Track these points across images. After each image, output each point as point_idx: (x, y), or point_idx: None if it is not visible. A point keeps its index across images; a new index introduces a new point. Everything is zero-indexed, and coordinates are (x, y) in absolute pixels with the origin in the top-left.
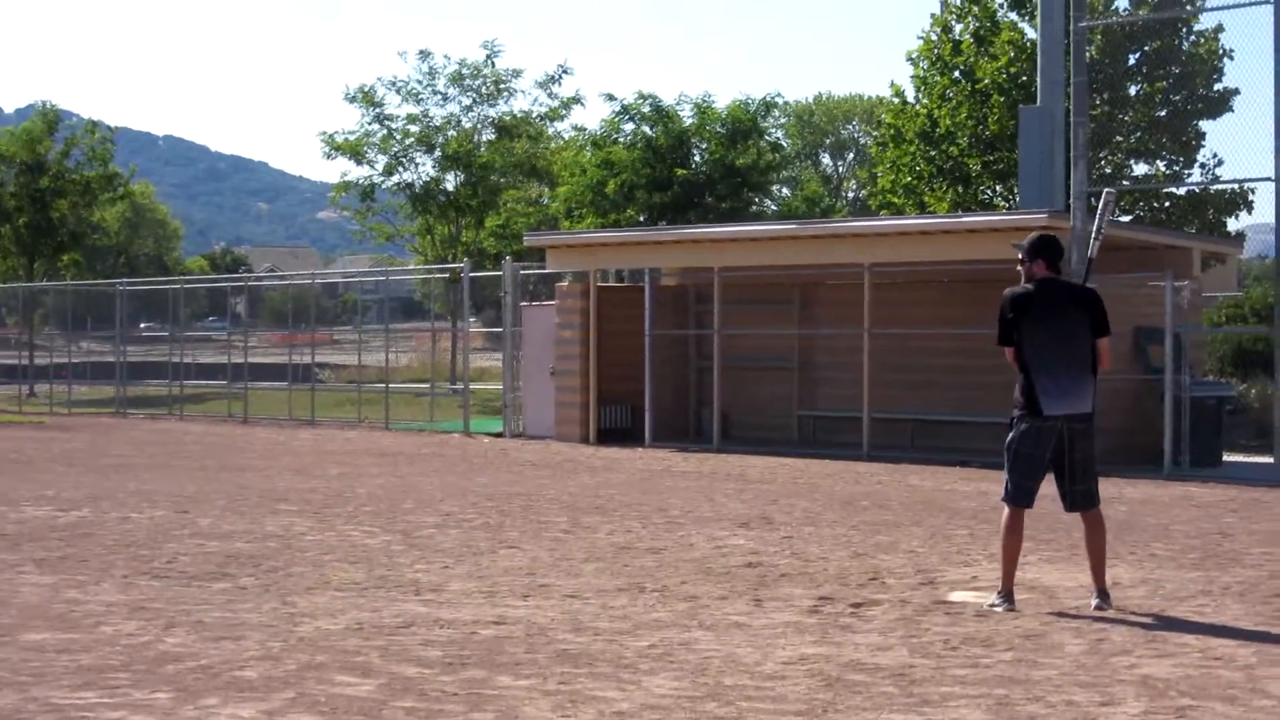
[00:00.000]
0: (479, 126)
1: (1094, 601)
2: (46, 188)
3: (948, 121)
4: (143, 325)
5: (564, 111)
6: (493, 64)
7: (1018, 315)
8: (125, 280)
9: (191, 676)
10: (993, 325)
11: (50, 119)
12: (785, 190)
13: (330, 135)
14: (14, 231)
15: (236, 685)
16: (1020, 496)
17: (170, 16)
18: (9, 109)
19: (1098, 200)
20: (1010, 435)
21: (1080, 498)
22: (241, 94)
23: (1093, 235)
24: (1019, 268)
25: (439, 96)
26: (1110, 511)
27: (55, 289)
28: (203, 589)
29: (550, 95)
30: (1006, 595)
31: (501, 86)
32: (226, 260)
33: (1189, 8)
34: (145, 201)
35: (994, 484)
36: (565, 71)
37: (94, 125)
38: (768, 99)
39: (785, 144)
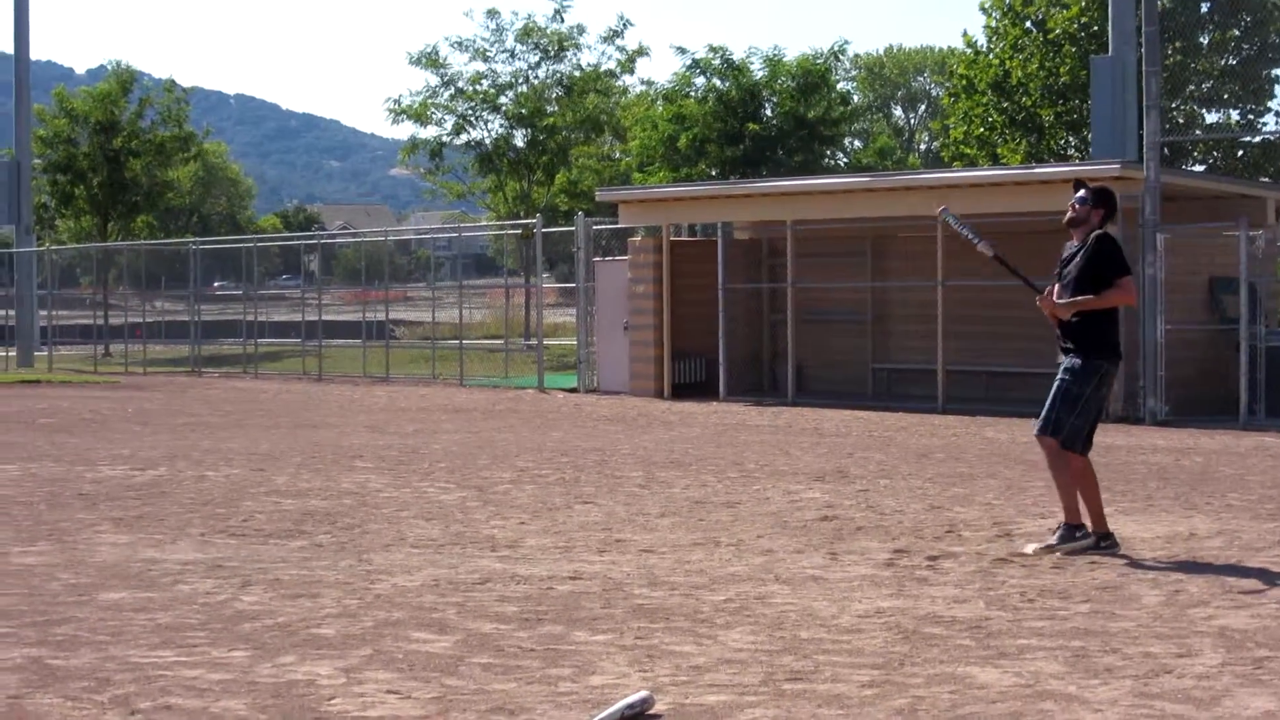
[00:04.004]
0: (547, 84)
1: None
2: (121, 148)
3: (1020, 72)
4: (216, 284)
5: (631, 65)
6: (561, 19)
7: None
8: (199, 239)
9: (268, 634)
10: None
11: (125, 79)
12: (857, 143)
13: (396, 100)
14: (88, 192)
15: (314, 643)
16: (1084, 443)
17: None
18: (80, 69)
19: (1164, 150)
20: (1083, 381)
21: (1092, 440)
22: (312, 52)
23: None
24: (1073, 204)
25: (506, 54)
26: (1186, 462)
27: (129, 249)
28: (279, 547)
29: (618, 49)
30: (1080, 526)
31: (566, 43)
32: (299, 218)
33: None
34: (218, 160)
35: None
36: (628, 24)
37: (171, 85)
38: (835, 47)
39: (855, 96)
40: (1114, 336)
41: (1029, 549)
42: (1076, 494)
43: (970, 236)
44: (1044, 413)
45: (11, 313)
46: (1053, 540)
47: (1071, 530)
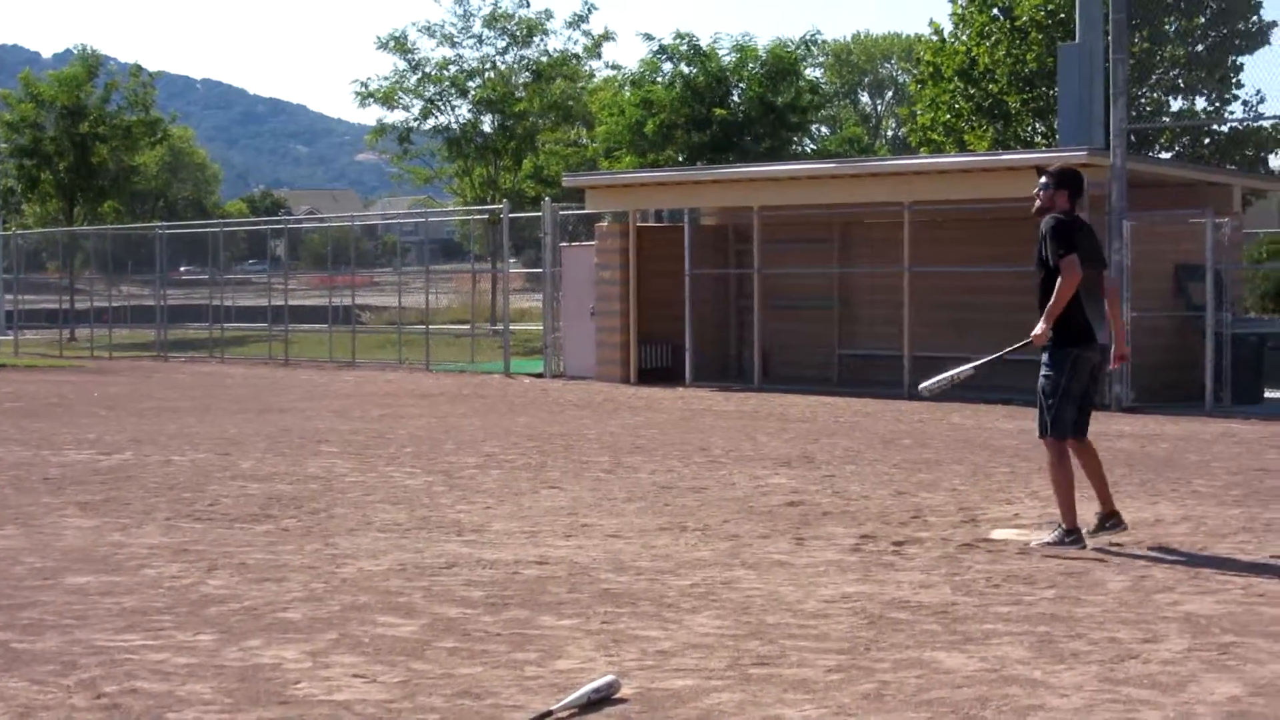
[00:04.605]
0: (515, 69)
1: (1105, 525)
2: (87, 132)
3: (987, 59)
4: (183, 269)
5: (597, 49)
6: (528, 4)
7: (1075, 244)
8: (165, 224)
9: (235, 618)
10: (1030, 263)
11: (91, 63)
12: (824, 129)
13: (364, 83)
14: (55, 176)
15: (280, 627)
16: (1071, 429)
17: None
18: (47, 54)
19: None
20: (1057, 369)
21: (1086, 425)
22: (279, 37)
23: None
24: (1037, 193)
25: (474, 40)
26: (1152, 449)
27: (95, 233)
28: (245, 531)
29: (584, 33)
30: (1075, 531)
31: (534, 28)
32: (266, 203)
33: None
34: (184, 145)
35: (1034, 421)
36: (592, 8)
37: (137, 69)
38: (808, 37)
39: (824, 84)
40: (1078, 319)
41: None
42: (1105, 480)
43: (952, 377)
44: (1037, 417)
45: None
46: (1093, 528)
47: (1105, 519)
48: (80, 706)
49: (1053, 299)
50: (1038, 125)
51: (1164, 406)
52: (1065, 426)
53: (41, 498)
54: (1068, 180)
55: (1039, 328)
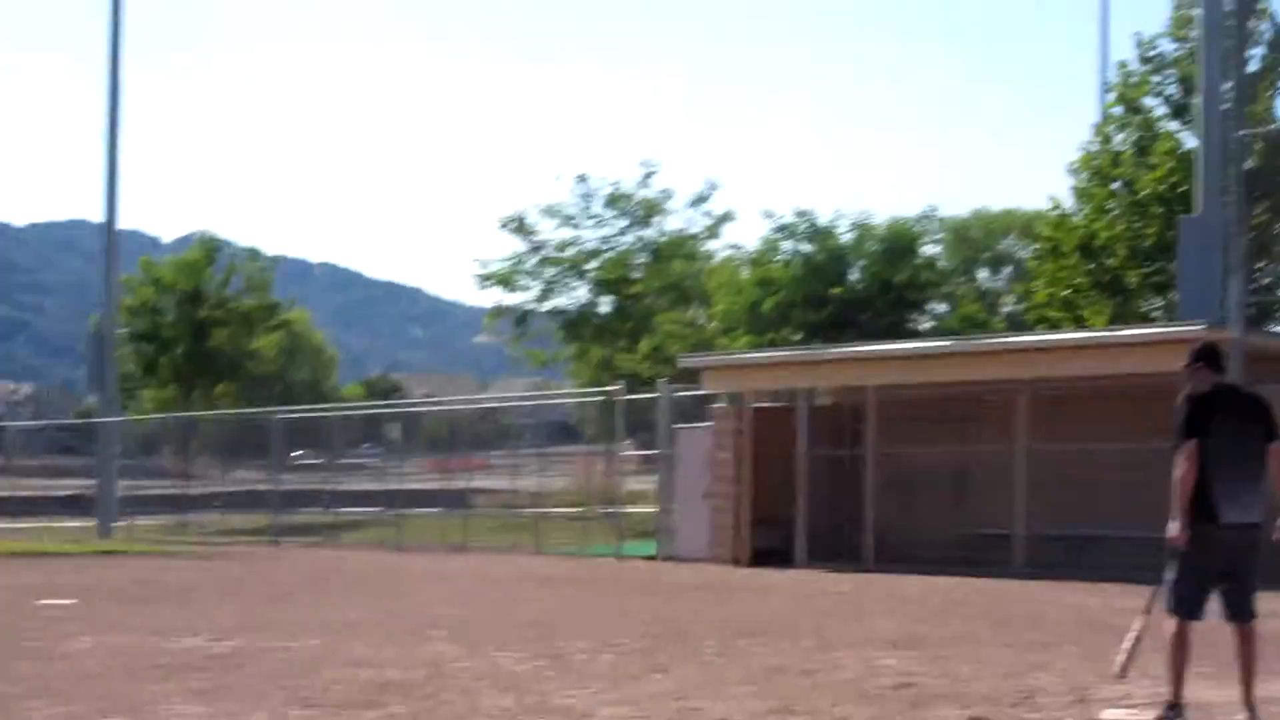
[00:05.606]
0: (633, 250)
1: (1241, 717)
2: (205, 317)
3: (1106, 233)
4: (295, 454)
5: (718, 229)
6: (649, 184)
7: (1200, 417)
8: (280, 408)
9: None
10: (1152, 438)
11: (210, 248)
12: (943, 306)
13: (485, 264)
14: (171, 360)
15: None
16: (1192, 608)
17: (322, 146)
18: (167, 239)
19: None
20: (1178, 545)
21: (1243, 608)
22: (395, 221)
23: None
24: (1188, 372)
25: (593, 220)
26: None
27: (213, 418)
28: (354, 717)
29: (704, 214)
30: (1174, 708)
31: (654, 209)
32: (383, 387)
33: None
34: (301, 329)
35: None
36: (714, 188)
37: (255, 254)
38: (925, 213)
39: (942, 261)
40: (1201, 497)
41: None
42: (1250, 674)
43: (1134, 639)
44: None
45: (92, 482)
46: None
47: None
48: None
49: (1174, 496)
50: (1157, 300)
51: None
52: (1184, 605)
53: (151, 685)
54: (1197, 355)
55: (1171, 527)
